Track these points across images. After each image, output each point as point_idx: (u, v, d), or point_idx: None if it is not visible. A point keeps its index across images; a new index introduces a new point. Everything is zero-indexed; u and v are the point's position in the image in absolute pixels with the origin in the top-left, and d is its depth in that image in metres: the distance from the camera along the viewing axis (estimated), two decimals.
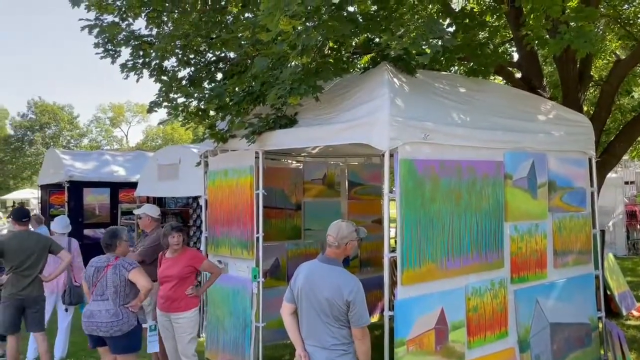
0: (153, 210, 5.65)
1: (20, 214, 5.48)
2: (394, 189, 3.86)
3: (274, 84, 4.33)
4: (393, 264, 3.97)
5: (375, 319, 6.77)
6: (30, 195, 39.92)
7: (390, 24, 4.73)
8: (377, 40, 5.38)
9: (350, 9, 4.75)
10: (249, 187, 4.87)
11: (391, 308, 3.78)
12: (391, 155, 3.82)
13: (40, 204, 12.55)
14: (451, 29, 6.02)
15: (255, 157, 4.82)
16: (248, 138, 4.66)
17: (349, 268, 3.48)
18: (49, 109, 50.12)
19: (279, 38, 3.96)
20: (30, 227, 5.55)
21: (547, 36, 5.92)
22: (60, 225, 6.10)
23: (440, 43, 4.19)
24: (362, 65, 7.17)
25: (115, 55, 5.98)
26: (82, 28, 5.69)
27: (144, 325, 4.95)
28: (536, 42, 5.77)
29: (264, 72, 4.60)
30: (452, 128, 4.19)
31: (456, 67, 8.25)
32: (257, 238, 4.80)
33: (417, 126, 3.91)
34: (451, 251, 4.11)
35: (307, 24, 3.89)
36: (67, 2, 5.09)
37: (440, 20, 5.86)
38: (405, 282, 3.80)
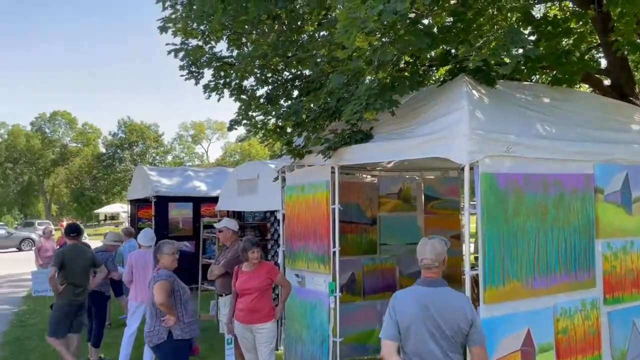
0: (233, 224, 5.88)
1: (69, 229, 6.22)
2: (472, 203, 3.75)
3: (349, 100, 4.36)
4: (474, 281, 3.84)
5: None
6: (120, 209, 42.80)
7: (468, 35, 4.64)
8: (454, 52, 5.29)
9: (426, 21, 4.71)
10: (325, 202, 4.92)
11: None
12: (471, 169, 3.72)
13: (129, 218, 13.34)
14: (532, 37, 5.81)
15: (331, 172, 4.86)
16: (324, 154, 4.72)
17: None
18: (136, 127, 53.63)
19: (354, 54, 4.00)
20: (79, 241, 6.20)
21: (639, 41, 5.57)
22: (146, 238, 6.41)
23: (522, 52, 4.05)
24: (438, 77, 7.07)
25: (199, 77, 6.31)
26: (169, 52, 6.06)
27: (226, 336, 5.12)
28: (627, 47, 5.45)
29: (339, 89, 4.65)
30: (537, 140, 4.02)
31: (538, 77, 7.91)
32: (334, 252, 4.83)
33: (499, 139, 3.78)
34: (537, 269, 3.91)
35: (383, 39, 3.90)
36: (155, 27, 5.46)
37: (521, 29, 5.66)
38: (488, 301, 3.66)
